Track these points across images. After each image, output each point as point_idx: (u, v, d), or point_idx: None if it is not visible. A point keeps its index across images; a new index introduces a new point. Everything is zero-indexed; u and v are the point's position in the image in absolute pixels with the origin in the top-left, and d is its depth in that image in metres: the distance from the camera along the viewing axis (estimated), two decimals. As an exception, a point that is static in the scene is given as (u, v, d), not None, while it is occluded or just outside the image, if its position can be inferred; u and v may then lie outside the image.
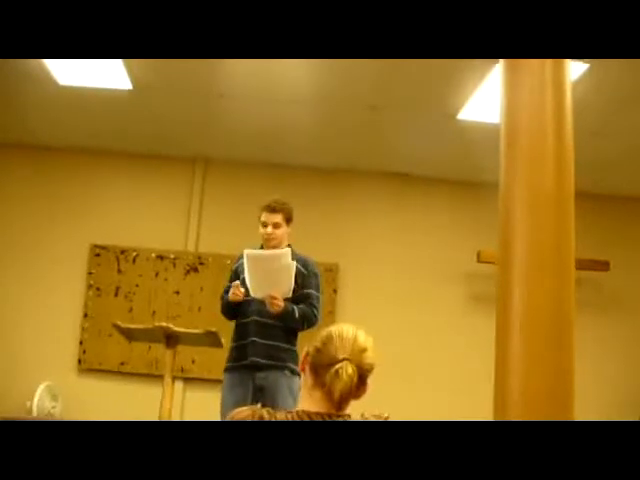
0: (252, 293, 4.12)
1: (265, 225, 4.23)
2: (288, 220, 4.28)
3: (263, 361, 4.11)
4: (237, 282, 4.17)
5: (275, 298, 4.06)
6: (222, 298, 4.37)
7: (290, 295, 4.12)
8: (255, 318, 4.16)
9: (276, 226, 4.22)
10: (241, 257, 4.26)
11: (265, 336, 4.14)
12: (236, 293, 4.14)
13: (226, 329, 4.33)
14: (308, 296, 4.21)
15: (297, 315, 4.13)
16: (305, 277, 4.23)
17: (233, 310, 4.26)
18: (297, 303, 4.17)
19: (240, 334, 4.21)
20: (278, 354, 4.15)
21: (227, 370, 4.25)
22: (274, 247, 4.22)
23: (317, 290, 4.28)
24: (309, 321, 4.18)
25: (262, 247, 4.30)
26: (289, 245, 4.29)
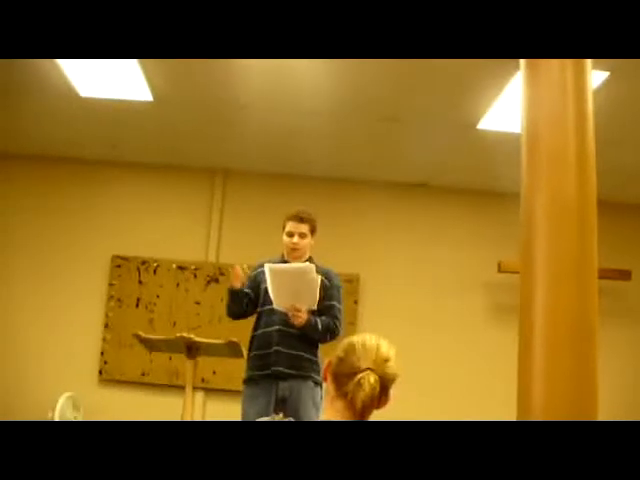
0: (275, 304, 4.09)
1: (291, 235, 4.22)
2: (313, 231, 4.27)
3: (287, 371, 4.08)
4: (236, 266, 4.19)
5: (299, 310, 4.04)
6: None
7: (315, 308, 4.10)
8: (279, 327, 4.13)
9: (302, 236, 4.21)
10: (260, 266, 4.24)
11: (289, 346, 4.11)
12: (237, 275, 4.16)
13: (247, 340, 4.31)
14: (331, 308, 4.19)
15: (320, 327, 4.10)
16: (328, 289, 4.21)
17: (237, 304, 4.26)
18: (319, 315, 4.15)
19: (262, 343, 4.18)
20: (302, 364, 4.13)
21: (248, 381, 4.22)
22: (297, 258, 4.21)
23: (339, 302, 4.26)
24: (332, 333, 4.15)
25: (283, 256, 4.28)
26: (310, 257, 4.28)
